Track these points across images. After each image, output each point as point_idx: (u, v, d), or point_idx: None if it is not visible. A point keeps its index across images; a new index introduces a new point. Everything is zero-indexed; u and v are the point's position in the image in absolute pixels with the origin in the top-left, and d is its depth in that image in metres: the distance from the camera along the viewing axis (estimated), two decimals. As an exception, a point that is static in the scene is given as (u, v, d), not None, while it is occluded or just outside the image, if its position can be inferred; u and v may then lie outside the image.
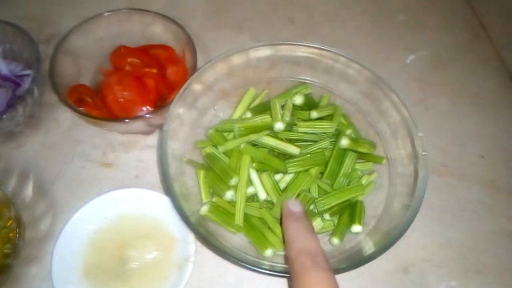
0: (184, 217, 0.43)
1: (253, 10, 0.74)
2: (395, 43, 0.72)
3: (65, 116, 0.61)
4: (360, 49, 0.70)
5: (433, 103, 0.66)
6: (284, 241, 0.41)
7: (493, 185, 0.58)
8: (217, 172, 0.50)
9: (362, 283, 0.51)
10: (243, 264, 0.41)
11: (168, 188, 0.44)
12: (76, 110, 0.50)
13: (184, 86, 0.50)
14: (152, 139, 0.60)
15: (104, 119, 0.51)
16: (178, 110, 0.50)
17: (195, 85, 0.51)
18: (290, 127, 0.53)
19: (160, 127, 0.58)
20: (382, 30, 0.73)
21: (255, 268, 0.41)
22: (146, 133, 0.59)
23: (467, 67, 0.70)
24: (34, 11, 0.72)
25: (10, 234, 0.48)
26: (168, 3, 0.73)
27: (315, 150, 0.52)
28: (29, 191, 0.55)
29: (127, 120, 0.50)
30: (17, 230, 0.47)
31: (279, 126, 0.52)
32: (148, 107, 0.56)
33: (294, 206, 0.43)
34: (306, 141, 0.54)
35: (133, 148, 0.59)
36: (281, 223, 0.44)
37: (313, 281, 0.34)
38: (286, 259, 0.37)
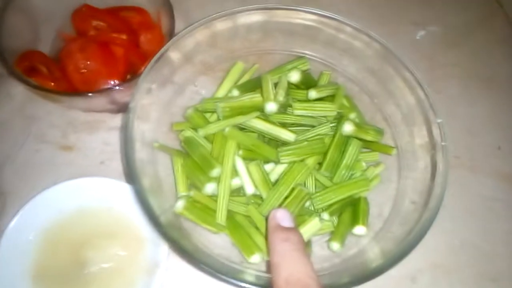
0: (152, 216, 0.34)
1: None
2: (402, 17, 0.63)
3: (19, 90, 0.51)
4: (364, 21, 0.61)
5: (443, 85, 0.58)
6: (269, 259, 0.33)
7: (510, 180, 0.52)
8: (196, 161, 0.42)
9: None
10: (224, 278, 0.33)
11: (132, 180, 0.35)
12: (24, 81, 0.41)
13: (157, 55, 0.41)
14: (121, 119, 0.51)
15: (59, 93, 0.42)
16: (150, 84, 0.41)
17: (172, 54, 0.43)
18: (284, 109, 0.45)
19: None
20: (388, 2, 0.65)
21: (238, 283, 0.33)
22: (114, 111, 0.50)
23: (482, 46, 0.63)
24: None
25: None
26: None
27: (313, 136, 0.44)
28: (-29, 177, 0.46)
29: (89, 94, 0.41)
30: None
31: (271, 107, 0.44)
32: (115, 80, 0.47)
33: (284, 218, 0.34)
34: (302, 125, 0.46)
35: (98, 129, 0.50)
36: (266, 236, 0.35)
37: None
38: (271, 285, 0.28)
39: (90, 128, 0.50)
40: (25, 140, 0.49)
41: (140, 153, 0.38)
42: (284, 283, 0.28)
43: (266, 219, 0.35)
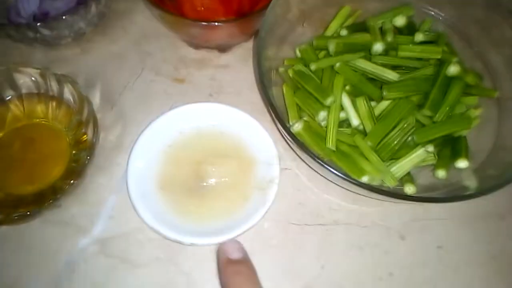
0: (284, 125, 0.39)
1: None
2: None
3: (135, 26, 0.56)
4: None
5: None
6: None
7: None
8: (308, 91, 0.45)
9: (450, 226, 0.46)
10: (347, 179, 0.37)
11: (265, 92, 0.39)
12: (161, 9, 0.45)
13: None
14: (226, 58, 0.55)
15: (193, 20, 0.46)
16: (272, 18, 0.44)
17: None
18: (386, 52, 0.48)
19: (239, 42, 0.54)
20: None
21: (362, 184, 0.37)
22: (222, 50, 0.54)
23: None
24: None
25: (83, 137, 0.45)
26: None
27: (420, 77, 0.46)
28: (96, 100, 0.51)
29: (217, 24, 0.45)
30: (94, 129, 0.43)
31: (378, 47, 0.47)
32: (230, 18, 0.50)
33: (233, 251, 0.36)
34: (403, 67, 0.48)
35: (206, 65, 0.54)
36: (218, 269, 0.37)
37: None
38: None
39: (199, 64, 0.54)
40: (141, 72, 0.53)
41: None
42: None
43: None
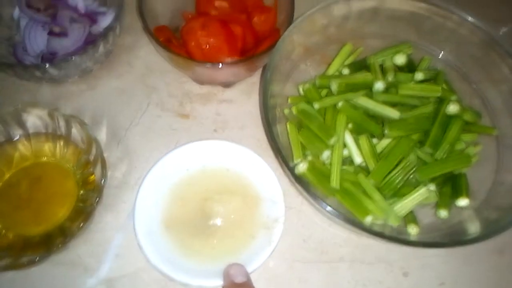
0: (288, 168, 0.40)
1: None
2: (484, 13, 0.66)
3: (140, 61, 0.57)
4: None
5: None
6: None
7: None
8: (312, 130, 0.46)
9: (451, 262, 0.47)
10: (352, 224, 0.37)
11: (271, 134, 0.41)
12: (169, 51, 0.46)
13: (283, 35, 0.46)
14: (230, 93, 0.56)
15: (200, 62, 0.47)
16: (277, 59, 0.45)
17: (294, 36, 0.47)
18: (386, 89, 0.49)
19: (238, 80, 0.55)
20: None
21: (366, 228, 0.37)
22: (226, 85, 0.55)
23: None
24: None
25: (91, 177, 0.45)
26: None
27: (420, 115, 0.47)
28: (102, 136, 0.51)
29: (222, 65, 0.46)
30: (102, 170, 0.43)
31: (379, 85, 0.48)
32: (234, 57, 0.51)
33: (237, 275, 0.38)
34: (403, 104, 0.49)
35: (210, 100, 0.55)
36: None
37: None
38: None
39: (203, 99, 0.55)
40: (147, 107, 0.54)
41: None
42: None
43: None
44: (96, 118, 0.52)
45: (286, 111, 0.46)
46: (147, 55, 0.57)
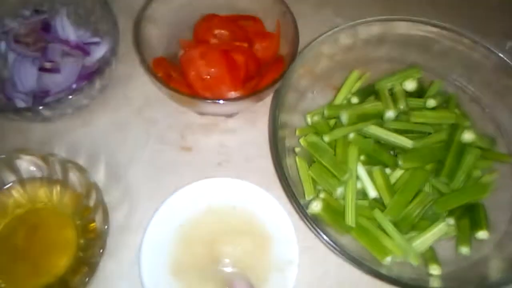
0: (301, 209, 0.38)
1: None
2: (490, 26, 0.65)
3: (137, 92, 0.54)
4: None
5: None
6: None
7: None
8: (324, 165, 0.44)
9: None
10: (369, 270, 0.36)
11: (282, 175, 0.39)
12: (174, 90, 0.43)
13: (290, 67, 0.44)
14: (233, 122, 0.53)
15: (203, 99, 0.45)
16: (285, 91, 0.43)
17: (301, 67, 0.45)
18: (398, 116, 0.47)
19: (241, 110, 0.52)
20: (473, 12, 0.66)
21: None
22: (229, 115, 0.53)
23: None
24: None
25: (91, 225, 0.43)
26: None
27: (434, 144, 0.46)
28: (100, 176, 0.49)
29: (224, 102, 0.43)
30: (104, 217, 0.41)
31: (390, 114, 0.46)
32: (237, 86, 0.49)
33: None
34: (414, 132, 0.47)
35: (213, 131, 0.53)
36: None
37: None
38: None
39: (205, 130, 0.52)
40: (147, 142, 0.51)
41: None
42: None
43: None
44: (93, 156, 0.50)
45: (297, 149, 0.44)
46: (144, 86, 0.54)
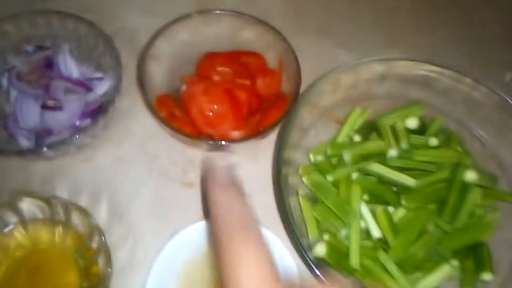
0: (304, 253, 0.38)
1: (333, 12, 0.67)
2: (489, 57, 0.65)
3: (139, 126, 0.54)
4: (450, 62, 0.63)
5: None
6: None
7: None
8: (328, 205, 0.44)
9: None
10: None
11: (285, 218, 0.40)
12: (177, 131, 0.44)
13: (295, 106, 0.44)
14: (235, 158, 0.53)
15: (207, 139, 0.45)
16: (289, 130, 0.44)
17: (304, 107, 0.45)
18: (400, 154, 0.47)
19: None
20: (473, 43, 0.67)
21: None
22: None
23: None
24: (92, 1, 0.64)
25: (94, 268, 0.42)
26: (239, 2, 0.65)
27: (436, 182, 0.46)
28: (102, 213, 0.48)
29: (227, 143, 0.44)
30: (107, 261, 0.40)
31: (393, 153, 0.46)
32: (239, 123, 0.49)
33: (221, 173, 0.32)
34: (416, 170, 0.48)
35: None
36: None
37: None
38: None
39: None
40: (149, 177, 0.51)
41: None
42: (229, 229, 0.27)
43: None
44: (95, 193, 0.49)
45: (301, 192, 0.44)
46: (146, 119, 0.54)
